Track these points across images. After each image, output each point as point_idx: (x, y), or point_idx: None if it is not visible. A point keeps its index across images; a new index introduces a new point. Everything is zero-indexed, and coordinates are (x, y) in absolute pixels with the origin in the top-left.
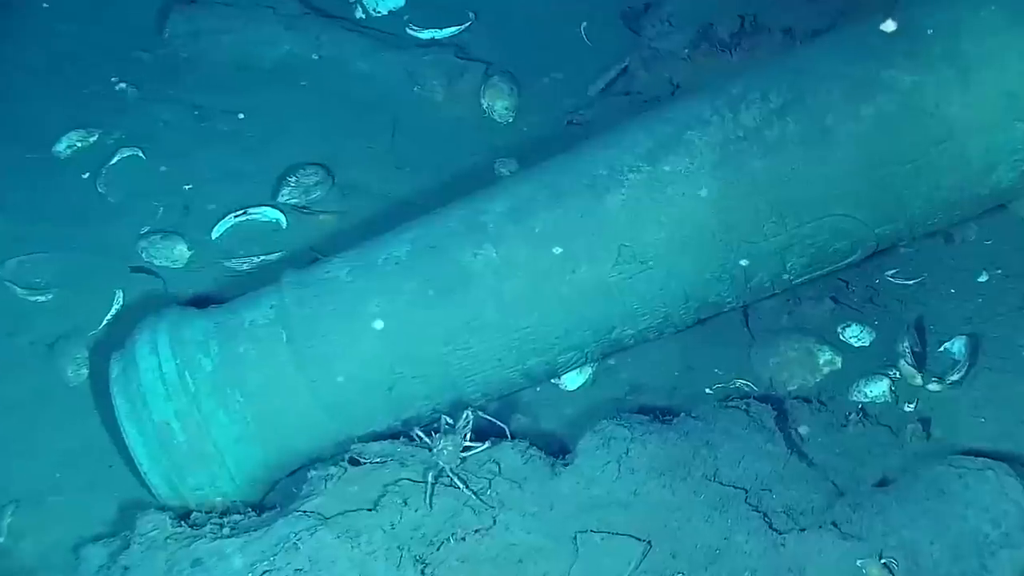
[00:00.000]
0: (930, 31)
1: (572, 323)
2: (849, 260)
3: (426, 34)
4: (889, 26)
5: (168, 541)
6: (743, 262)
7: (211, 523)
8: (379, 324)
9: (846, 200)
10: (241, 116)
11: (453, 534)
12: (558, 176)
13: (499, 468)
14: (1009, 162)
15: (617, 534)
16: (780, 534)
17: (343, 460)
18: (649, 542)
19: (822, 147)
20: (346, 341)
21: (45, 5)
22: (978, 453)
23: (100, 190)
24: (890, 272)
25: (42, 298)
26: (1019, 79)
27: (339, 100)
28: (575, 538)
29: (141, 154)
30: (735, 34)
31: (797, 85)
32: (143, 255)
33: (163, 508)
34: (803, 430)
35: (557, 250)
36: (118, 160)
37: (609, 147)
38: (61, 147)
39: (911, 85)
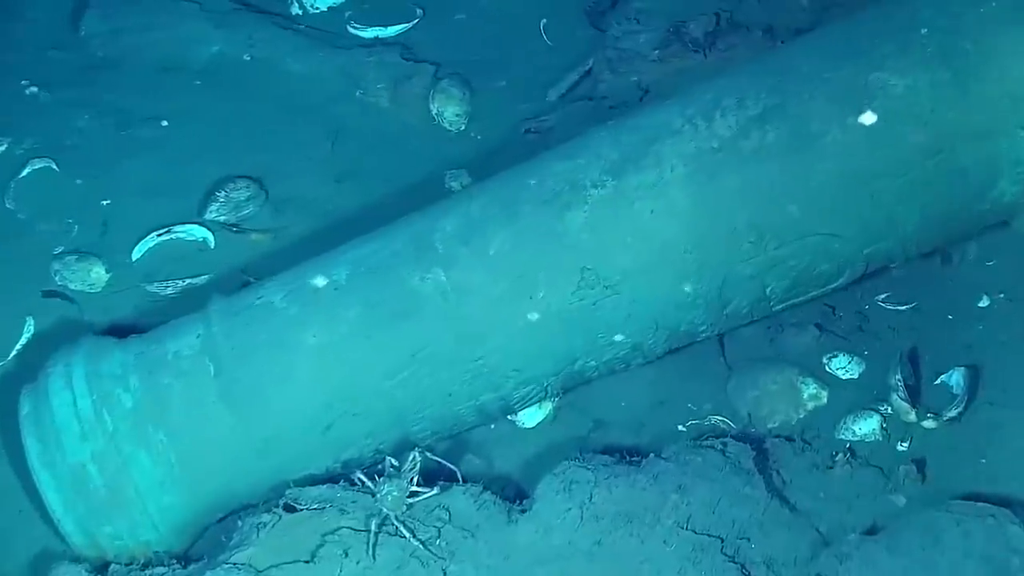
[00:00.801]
0: (924, 30)
1: (530, 354)
2: (835, 284)
3: (369, 32)
4: (868, 118)
5: None
6: (718, 286)
7: None
8: (317, 355)
9: (832, 217)
10: (165, 123)
11: None
12: (514, 191)
13: (449, 515)
14: (1012, 174)
15: None
16: None
17: (277, 506)
18: None
19: (805, 159)
20: (280, 374)
21: None
22: (978, 498)
23: (8, 205)
24: (881, 296)
25: None
26: (1021, 80)
27: (273, 106)
28: None
29: (54, 165)
30: (709, 33)
31: (778, 90)
32: (56, 278)
33: (78, 559)
34: (785, 473)
35: (513, 274)
36: (29, 172)
37: (570, 159)
38: None
39: (903, 89)
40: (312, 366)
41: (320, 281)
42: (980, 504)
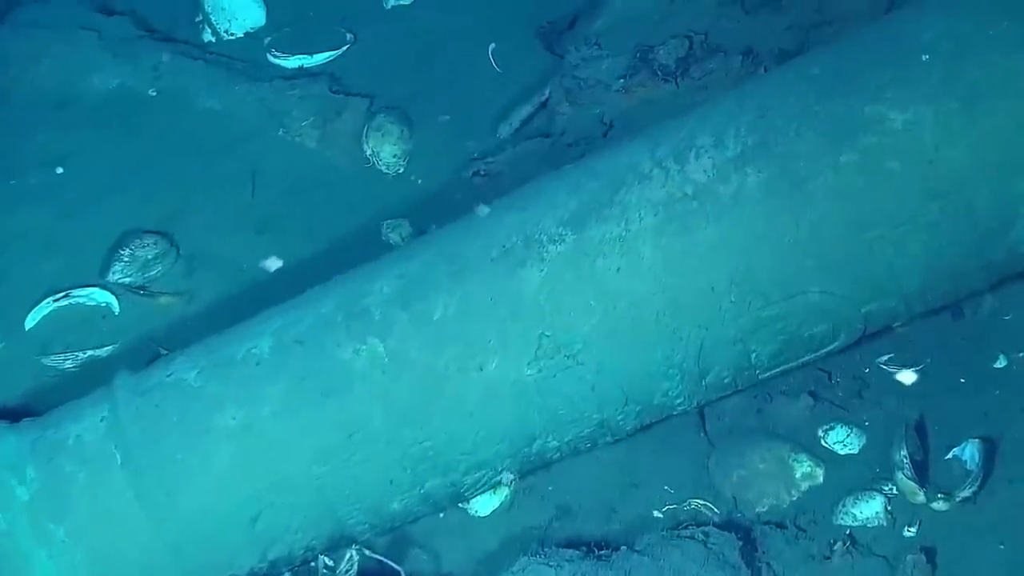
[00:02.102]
0: (926, 56)
1: (482, 434)
2: (830, 347)
3: (292, 61)
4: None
5: None
6: (696, 352)
7: None
8: (237, 440)
9: (824, 272)
10: (60, 170)
11: None
12: (461, 246)
13: None
14: None
15: None
16: None
17: None
18: None
19: (792, 205)
20: (196, 462)
21: None
22: None
23: None
24: (883, 358)
25: None
26: None
27: (184, 148)
28: None
29: None
30: (681, 59)
31: (760, 126)
32: None
33: None
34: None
35: (460, 343)
36: None
37: (524, 209)
38: None
39: (903, 123)
40: (232, 452)
41: (240, 354)
42: None
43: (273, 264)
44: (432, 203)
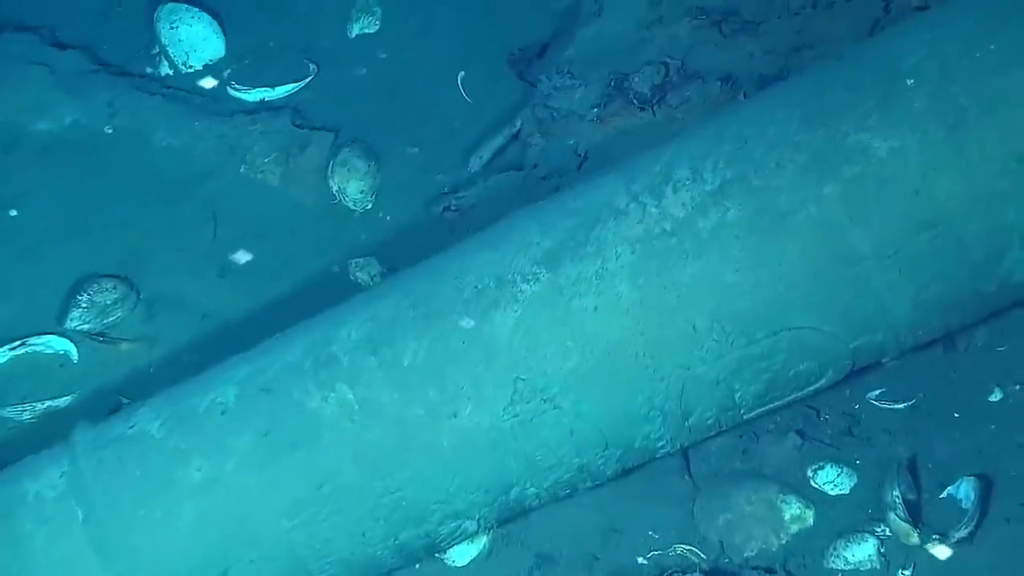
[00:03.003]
0: (910, 80)
1: (457, 483)
2: (817, 385)
3: (253, 95)
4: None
5: None
6: (678, 393)
7: None
8: (203, 493)
9: (809, 308)
10: (13, 213)
11: None
12: (431, 287)
13: None
14: (1022, 247)
15: None
16: None
17: None
18: None
19: (775, 239)
20: (161, 517)
21: None
22: None
23: None
24: (874, 394)
25: None
26: None
27: (142, 186)
28: None
29: None
30: (657, 86)
31: (739, 158)
32: None
33: None
34: None
35: (433, 388)
36: None
37: (496, 247)
38: None
39: (888, 152)
40: (198, 506)
41: (204, 404)
42: None
43: (243, 257)
44: (401, 240)
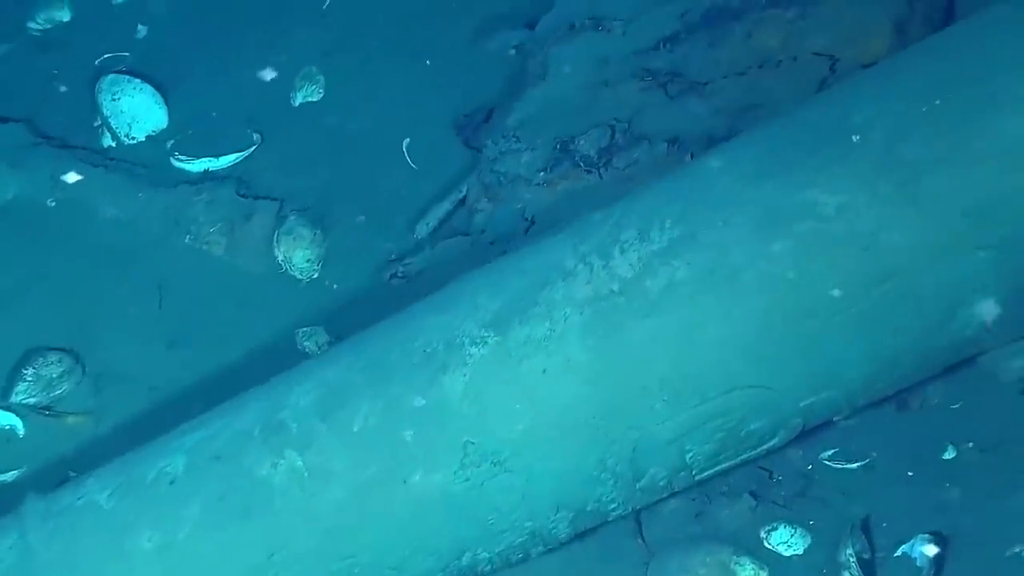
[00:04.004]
0: (857, 136)
1: (409, 548)
2: (769, 445)
3: (197, 165)
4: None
5: None
6: (629, 455)
7: None
8: (154, 563)
9: (760, 366)
10: None
11: None
12: (380, 353)
13: None
14: (974, 301)
15: None
16: None
17: None
18: None
19: (724, 298)
20: None
21: None
22: None
23: None
24: (827, 454)
25: None
26: (978, 192)
27: (86, 259)
28: None
29: None
30: (604, 149)
31: (688, 216)
32: None
33: None
34: None
35: (383, 454)
36: None
37: (445, 311)
38: None
39: (837, 208)
40: None
41: (152, 473)
42: None
43: (72, 178)
44: (349, 309)
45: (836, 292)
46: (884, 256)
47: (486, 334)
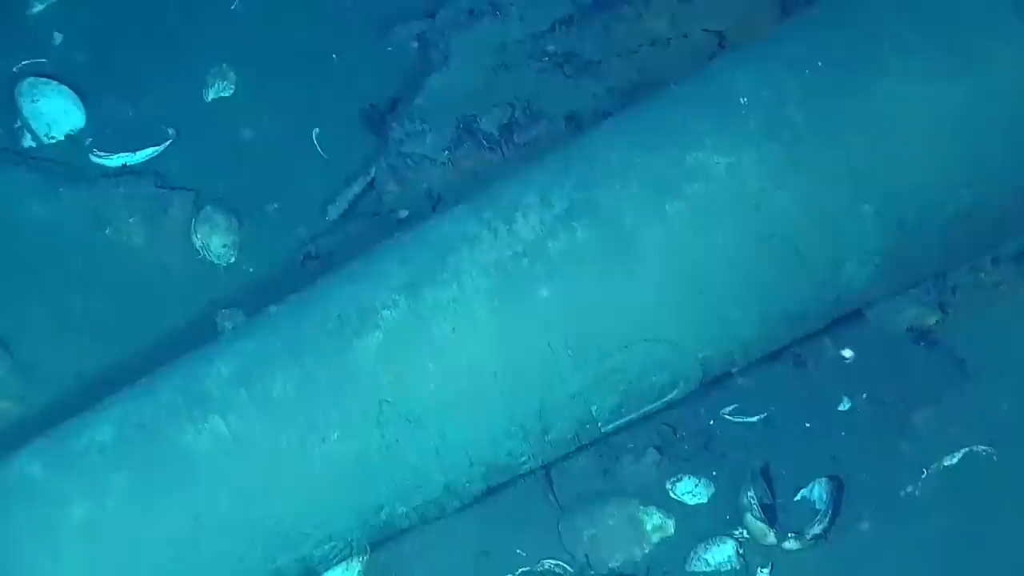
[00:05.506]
0: (744, 99)
1: (329, 507)
2: (670, 396)
3: (115, 160)
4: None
5: None
6: (537, 410)
7: None
8: (85, 532)
9: (658, 321)
10: None
11: None
12: (295, 324)
13: None
14: (858, 256)
15: None
16: None
17: None
18: None
19: (622, 257)
20: (47, 559)
21: None
22: None
23: None
24: (727, 409)
25: None
26: (862, 151)
27: (10, 256)
28: None
29: None
30: (505, 126)
31: (585, 182)
32: None
33: None
34: None
35: (302, 417)
36: None
37: (356, 281)
38: None
39: (727, 168)
40: (82, 547)
41: (82, 443)
42: None
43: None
44: (266, 290)
45: (727, 249)
46: (772, 214)
47: (397, 298)
